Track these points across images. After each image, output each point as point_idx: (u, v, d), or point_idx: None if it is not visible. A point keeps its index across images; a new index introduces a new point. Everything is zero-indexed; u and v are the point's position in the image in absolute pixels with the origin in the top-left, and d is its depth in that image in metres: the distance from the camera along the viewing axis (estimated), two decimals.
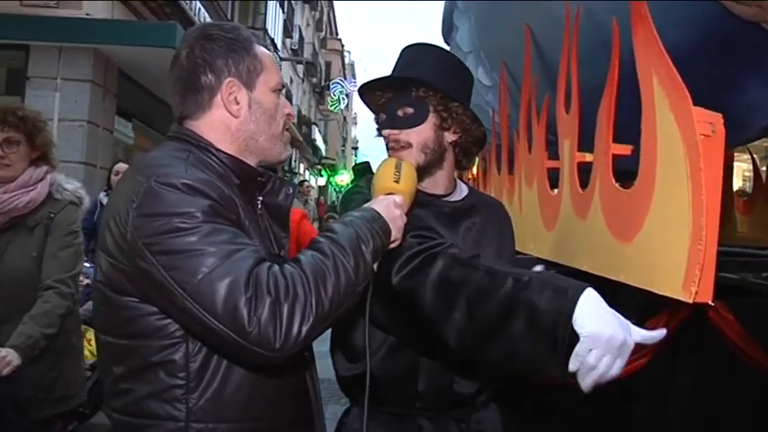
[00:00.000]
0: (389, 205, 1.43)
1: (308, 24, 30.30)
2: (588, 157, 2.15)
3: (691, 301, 1.35)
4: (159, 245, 1.17)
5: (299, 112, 27.97)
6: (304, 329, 1.15)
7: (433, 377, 1.68)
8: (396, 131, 1.74)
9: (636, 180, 1.66)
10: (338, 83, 33.43)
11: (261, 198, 1.47)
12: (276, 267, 1.18)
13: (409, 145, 1.74)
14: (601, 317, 1.29)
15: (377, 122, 1.84)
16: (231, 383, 1.29)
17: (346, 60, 44.71)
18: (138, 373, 1.27)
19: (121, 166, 5.74)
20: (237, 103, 1.39)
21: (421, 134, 1.74)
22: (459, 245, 1.72)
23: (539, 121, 2.65)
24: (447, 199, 1.82)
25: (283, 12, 19.55)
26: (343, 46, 41.98)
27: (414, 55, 1.82)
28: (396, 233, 1.41)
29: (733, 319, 2.70)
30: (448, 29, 4.14)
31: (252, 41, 1.43)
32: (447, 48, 4.61)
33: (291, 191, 1.54)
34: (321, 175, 37.83)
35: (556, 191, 2.41)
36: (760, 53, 1.89)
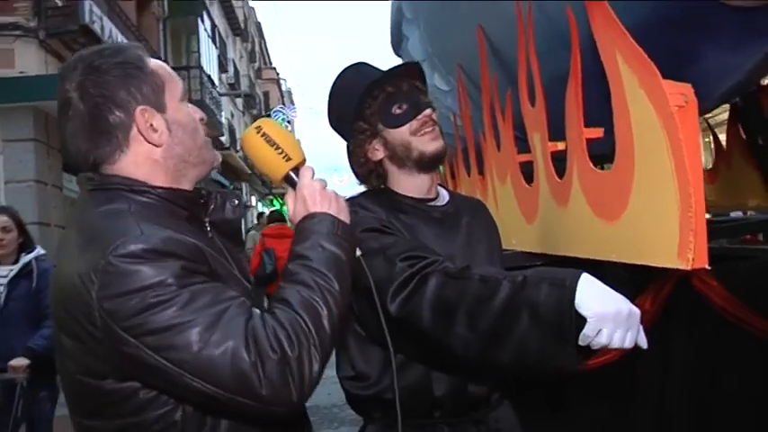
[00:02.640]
0: (324, 194, 1.31)
1: (241, 57, 30.28)
2: (560, 146, 2.20)
3: (689, 268, 1.39)
4: (140, 326, 1.06)
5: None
6: (315, 372, 1.11)
7: (447, 383, 1.69)
8: (432, 112, 1.74)
9: (614, 160, 1.70)
10: (279, 111, 33.37)
11: (207, 219, 1.35)
12: (269, 318, 1.12)
13: (437, 123, 1.76)
14: (602, 295, 1.33)
15: (386, 115, 1.76)
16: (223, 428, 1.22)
17: (283, 88, 44.73)
18: None
19: None
20: (156, 131, 1.25)
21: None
22: (453, 251, 1.74)
23: (504, 119, 2.70)
24: (434, 203, 1.83)
25: (216, 47, 19.45)
26: (278, 74, 42.02)
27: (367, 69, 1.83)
28: (348, 219, 1.33)
29: (717, 285, 2.78)
30: (398, 41, 4.18)
31: (142, 57, 1.27)
32: (399, 59, 4.66)
33: (237, 202, 1.44)
34: (273, 205, 37.69)
35: (532, 184, 2.45)
36: (714, 22, 1.95)
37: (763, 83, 3.04)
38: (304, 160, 1.37)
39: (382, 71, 1.78)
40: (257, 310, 1.14)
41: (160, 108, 1.26)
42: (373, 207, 1.76)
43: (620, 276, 2.30)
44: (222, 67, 20.76)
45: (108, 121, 1.22)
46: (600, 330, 1.31)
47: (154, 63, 1.29)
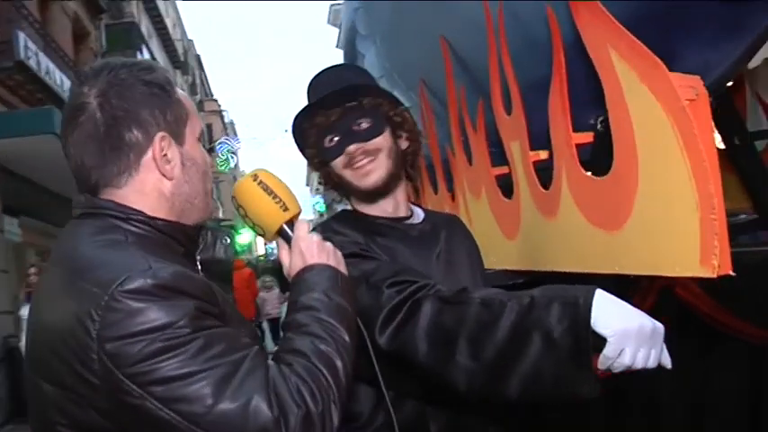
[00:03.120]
0: (322, 246, 1.26)
1: (182, 90, 29.94)
2: (542, 155, 2.07)
3: (715, 276, 1.26)
4: (147, 374, 0.94)
5: None
6: (335, 421, 1.05)
7: (443, 419, 1.53)
8: (362, 144, 1.60)
9: (612, 164, 1.58)
10: (224, 142, 33.09)
11: (198, 257, 1.29)
12: (288, 370, 1.05)
13: (378, 151, 1.61)
14: (622, 312, 1.21)
15: (320, 153, 1.66)
16: None
17: (226, 119, 44.42)
18: None
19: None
20: (169, 162, 1.15)
21: (385, 142, 1.62)
22: (433, 271, 1.61)
23: (476, 131, 2.57)
24: (411, 222, 1.70)
25: None
26: (220, 106, 41.73)
27: (334, 73, 1.70)
28: (345, 270, 1.28)
29: (701, 292, 2.69)
30: (351, 59, 4.05)
31: (170, 82, 1.19)
32: None
33: (228, 240, 1.39)
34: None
35: (511, 197, 2.32)
36: (696, 16, 1.86)
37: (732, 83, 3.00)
38: (300, 212, 1.30)
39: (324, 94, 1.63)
40: (272, 362, 1.07)
41: (179, 140, 1.17)
42: (348, 231, 1.62)
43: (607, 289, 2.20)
44: None
45: (123, 138, 1.11)
46: (622, 350, 1.18)
47: (181, 92, 1.21)
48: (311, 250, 1.24)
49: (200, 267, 1.26)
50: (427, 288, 1.39)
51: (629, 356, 1.18)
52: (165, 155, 1.14)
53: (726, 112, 2.66)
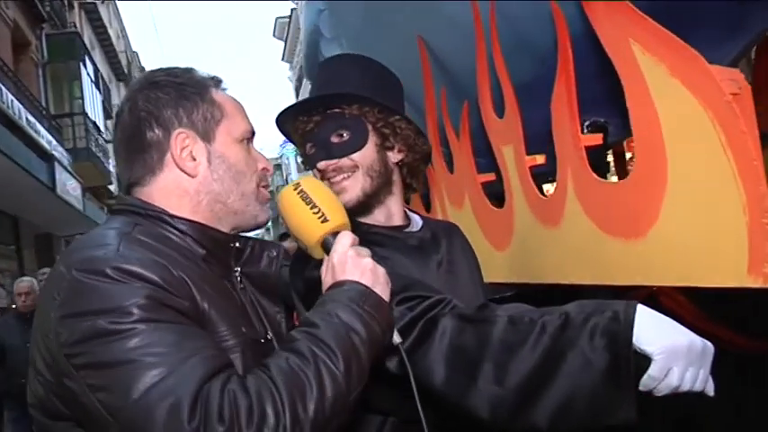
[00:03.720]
0: (357, 262, 1.12)
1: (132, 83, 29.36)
2: (539, 159, 1.95)
3: (766, 285, 1.14)
4: (83, 355, 0.91)
5: None
6: None
7: None
8: (333, 162, 1.46)
9: (632, 167, 1.46)
10: None
11: (238, 269, 1.19)
12: (236, 381, 0.92)
13: (355, 168, 1.46)
14: (668, 328, 1.09)
15: (305, 155, 1.55)
16: None
17: None
18: None
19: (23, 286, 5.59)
20: (194, 159, 1.13)
21: (364, 158, 1.47)
22: (435, 282, 1.47)
23: (459, 137, 2.43)
24: (409, 230, 1.56)
25: (100, 92, 18.60)
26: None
27: (336, 68, 1.56)
28: (386, 296, 1.12)
29: (685, 300, 2.63)
30: (313, 64, 3.89)
31: (207, 85, 1.18)
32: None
33: (276, 253, 1.24)
34: None
35: (502, 206, 2.19)
36: (700, 15, 1.78)
37: None
38: (345, 224, 1.18)
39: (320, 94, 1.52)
40: (229, 373, 0.94)
41: (207, 138, 1.15)
42: None
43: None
44: (107, 114, 19.87)
45: (145, 139, 1.13)
46: (670, 369, 1.06)
47: (222, 96, 1.19)
48: (343, 266, 1.11)
49: (239, 279, 1.19)
50: (443, 304, 1.26)
51: (676, 376, 1.06)
52: (190, 152, 1.13)
53: None
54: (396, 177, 1.55)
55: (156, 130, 1.13)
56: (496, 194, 2.25)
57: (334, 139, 1.47)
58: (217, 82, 1.21)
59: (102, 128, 17.82)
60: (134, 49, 33.84)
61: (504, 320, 1.17)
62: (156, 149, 1.13)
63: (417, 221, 1.62)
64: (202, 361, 0.92)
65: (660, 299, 2.61)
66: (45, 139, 12.35)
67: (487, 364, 1.15)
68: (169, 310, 0.95)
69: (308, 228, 1.16)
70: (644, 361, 1.07)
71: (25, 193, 10.94)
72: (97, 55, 20.98)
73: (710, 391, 1.11)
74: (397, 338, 1.13)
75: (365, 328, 1.03)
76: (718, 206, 1.21)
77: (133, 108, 1.14)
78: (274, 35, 41.85)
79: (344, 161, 1.46)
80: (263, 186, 1.22)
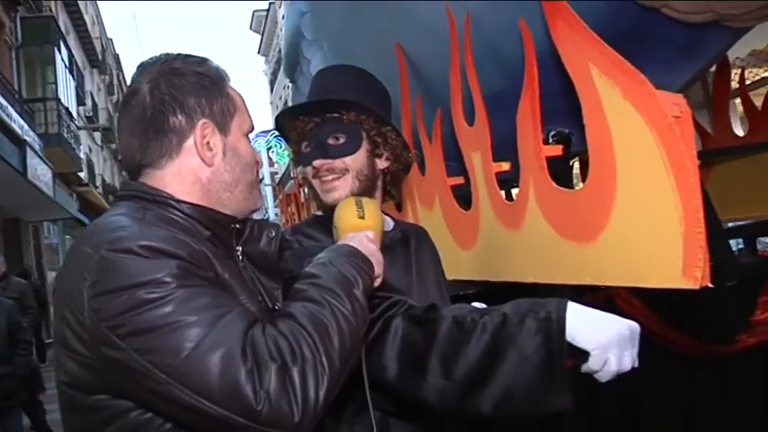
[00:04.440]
0: (362, 240, 1.28)
1: (99, 89, 29.08)
2: (505, 166, 2.09)
3: (698, 287, 1.29)
4: (127, 325, 0.97)
5: (103, 180, 26.68)
6: (321, 393, 0.99)
7: (406, 429, 1.52)
8: (328, 161, 1.59)
9: (587, 177, 1.60)
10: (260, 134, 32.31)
11: (240, 248, 1.28)
12: (271, 328, 1.02)
13: (345, 171, 1.60)
14: (597, 322, 1.23)
15: (296, 152, 1.67)
16: None
17: None
18: None
19: None
20: (211, 149, 1.20)
21: (355, 161, 1.61)
22: (405, 280, 1.61)
23: (432, 142, 2.57)
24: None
25: (74, 78, 18.46)
26: None
27: (335, 77, 1.68)
28: (378, 268, 1.26)
29: (641, 304, 2.78)
30: (293, 65, 4.00)
31: (223, 77, 1.25)
32: (291, 85, 4.46)
33: (274, 233, 1.34)
34: None
35: (469, 209, 2.32)
36: (656, 38, 1.92)
37: None
38: (376, 227, 1.37)
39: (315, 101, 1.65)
40: (263, 323, 1.04)
41: (223, 130, 1.22)
42: (320, 236, 1.61)
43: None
44: (80, 100, 19.73)
45: (167, 122, 1.17)
46: (607, 360, 1.20)
47: (234, 90, 1.27)
48: (352, 239, 1.27)
49: (240, 257, 1.28)
50: (399, 305, 1.39)
51: (614, 363, 1.20)
52: (208, 142, 1.20)
53: None
54: (379, 183, 1.68)
55: (180, 116, 1.18)
56: (464, 197, 2.39)
57: (331, 141, 1.59)
58: (227, 75, 1.29)
59: (74, 114, 17.67)
60: (109, 36, 33.42)
61: (449, 320, 1.31)
62: (177, 135, 1.18)
63: (389, 223, 1.75)
64: (239, 314, 1.02)
65: (617, 302, 2.78)
66: (17, 123, 12.27)
67: (435, 359, 1.29)
68: (197, 278, 1.04)
69: (346, 217, 1.36)
70: (583, 354, 1.21)
71: None
72: (72, 40, 20.80)
73: (636, 363, 1.24)
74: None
75: (359, 275, 1.16)
76: (659, 217, 1.35)
77: (155, 90, 1.18)
78: (251, 28, 41.69)
79: (337, 163, 1.59)
80: (257, 177, 1.33)
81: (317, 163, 1.60)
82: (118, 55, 37.27)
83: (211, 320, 0.98)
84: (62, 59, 16.42)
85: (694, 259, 1.28)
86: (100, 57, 27.80)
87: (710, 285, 1.30)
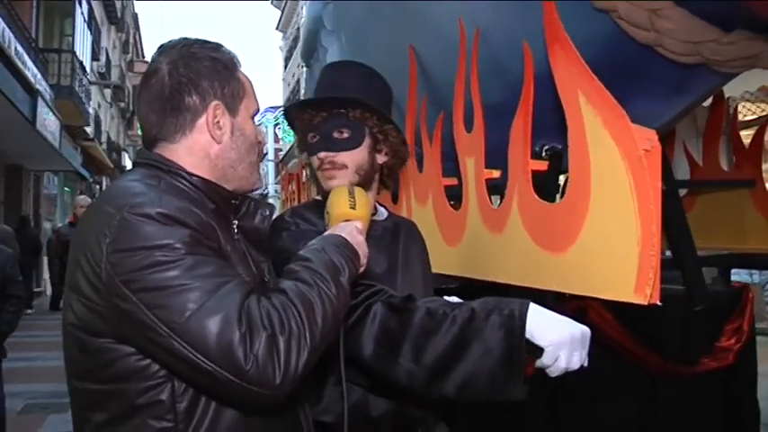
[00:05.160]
0: (352, 231, 1.41)
1: (114, 47, 29.05)
2: (495, 174, 2.24)
3: (646, 303, 1.44)
4: (140, 281, 1.09)
5: (108, 138, 26.73)
6: (301, 363, 1.12)
7: (385, 404, 1.68)
8: (332, 154, 1.73)
9: (564, 194, 1.75)
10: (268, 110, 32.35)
11: (236, 222, 1.41)
12: (265, 300, 1.15)
13: (344, 166, 1.73)
14: (554, 323, 1.37)
15: (302, 141, 1.81)
16: (223, 423, 1.21)
17: None
18: (121, 419, 1.18)
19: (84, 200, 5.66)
20: (220, 129, 1.33)
21: (357, 156, 1.74)
22: (392, 268, 1.75)
23: (431, 142, 2.72)
24: (374, 218, 1.83)
25: (91, 33, 18.52)
26: None
27: (343, 73, 1.82)
28: (363, 258, 1.40)
29: (612, 318, 2.93)
30: (310, 50, 4.13)
31: (235, 63, 1.38)
32: (306, 69, 4.59)
33: (268, 212, 1.48)
34: None
35: (458, 208, 2.47)
36: (649, 73, 2.07)
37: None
38: (364, 217, 1.51)
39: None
40: (258, 294, 1.16)
41: (233, 112, 1.35)
42: (317, 220, 1.74)
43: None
44: (95, 55, 19.77)
45: (183, 101, 1.30)
46: (558, 357, 1.35)
47: (244, 75, 1.39)
48: (342, 229, 1.40)
49: (236, 230, 1.40)
50: (381, 294, 1.54)
51: (563, 361, 1.35)
52: (218, 122, 1.32)
53: None
54: (377, 176, 1.82)
55: (195, 97, 1.30)
56: (456, 197, 2.54)
57: (336, 135, 1.73)
58: (239, 61, 1.41)
59: (87, 68, 17.73)
60: None
61: (423, 311, 1.46)
62: (192, 113, 1.30)
63: (383, 213, 1.90)
64: (239, 284, 1.14)
65: (589, 313, 2.93)
66: (31, 71, 12.35)
67: (407, 345, 1.44)
68: (205, 248, 1.16)
69: (339, 205, 1.50)
70: (538, 350, 1.37)
71: (4, 123, 10.96)
72: None
73: (585, 363, 1.39)
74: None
75: (346, 265, 1.29)
76: (621, 237, 1.50)
77: (174, 71, 1.30)
78: (272, 3, 41.61)
79: (339, 157, 1.73)
80: (259, 158, 1.46)
81: (321, 155, 1.74)
82: (137, 14, 37.26)
83: (213, 287, 1.10)
84: (81, 13, 16.48)
85: (646, 278, 1.43)
86: (119, 14, 27.80)
87: (659, 303, 1.46)
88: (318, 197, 1.85)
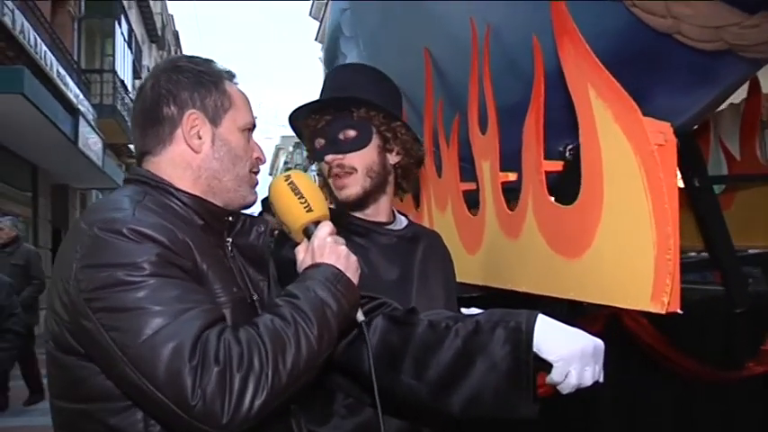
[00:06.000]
0: (334, 248, 1.30)
1: (155, 64, 29.48)
2: (511, 176, 2.14)
3: (664, 312, 1.33)
4: (101, 300, 1.07)
5: None
6: (257, 404, 1.05)
7: (396, 424, 1.58)
8: (339, 156, 1.64)
9: (578, 195, 1.64)
10: None
11: (230, 239, 1.36)
12: (230, 332, 1.09)
13: (354, 170, 1.65)
14: (563, 336, 1.27)
15: (310, 150, 1.74)
16: None
17: None
18: None
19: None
20: (200, 138, 1.29)
21: (366, 157, 1.65)
22: (405, 280, 1.66)
23: (449, 145, 2.62)
24: (390, 227, 1.74)
25: (132, 52, 18.87)
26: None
27: (347, 75, 1.75)
28: (355, 280, 1.31)
29: (647, 323, 2.79)
30: (331, 58, 4.08)
31: (222, 77, 1.35)
32: None
33: (263, 228, 1.42)
34: None
35: (476, 214, 2.37)
36: (670, 62, 1.94)
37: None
38: (326, 215, 1.36)
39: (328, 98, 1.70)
40: (224, 325, 1.11)
41: (215, 122, 1.31)
42: None
43: (558, 311, 2.27)
44: (136, 74, 20.13)
45: (161, 112, 1.28)
46: (568, 373, 1.24)
47: (234, 88, 1.36)
48: (322, 250, 1.29)
49: (230, 248, 1.36)
50: (383, 307, 1.45)
51: (575, 377, 1.24)
52: (197, 131, 1.29)
53: (689, 154, 2.76)
54: (390, 178, 1.72)
55: (172, 108, 1.28)
56: (476, 202, 2.44)
57: (342, 137, 1.65)
58: (231, 75, 1.38)
59: (129, 87, 18.06)
60: (170, 12, 33.98)
61: (424, 324, 1.37)
62: (169, 124, 1.28)
63: (402, 221, 1.79)
64: (202, 312, 1.08)
65: (624, 320, 2.80)
66: (73, 92, 12.61)
67: (408, 360, 1.35)
68: (175, 268, 1.12)
69: (294, 215, 1.34)
70: (547, 365, 1.27)
71: (47, 144, 11.19)
72: (133, 15, 21.22)
73: (600, 378, 1.28)
74: (360, 316, 1.33)
75: (337, 304, 1.21)
76: (636, 240, 1.39)
77: (155, 85, 1.30)
78: (310, 14, 41.96)
79: (347, 159, 1.64)
80: (254, 173, 1.39)
81: (328, 158, 1.65)
82: (177, 32, 37.86)
83: (175, 313, 1.05)
84: (122, 33, 16.80)
85: (662, 284, 1.32)
86: (159, 32, 28.30)
87: (679, 311, 1.34)
88: (332, 206, 1.77)
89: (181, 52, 38.95)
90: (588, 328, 2.74)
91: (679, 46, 1.87)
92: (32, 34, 10.72)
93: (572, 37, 1.64)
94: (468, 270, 2.42)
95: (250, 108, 1.39)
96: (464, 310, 1.64)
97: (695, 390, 3.08)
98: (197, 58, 1.37)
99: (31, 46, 10.64)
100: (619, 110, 1.45)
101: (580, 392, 1.29)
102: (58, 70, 11.98)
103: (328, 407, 1.57)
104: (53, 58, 11.77)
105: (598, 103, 1.53)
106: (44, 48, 11.25)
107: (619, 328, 2.80)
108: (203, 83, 1.31)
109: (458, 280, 2.50)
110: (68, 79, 12.58)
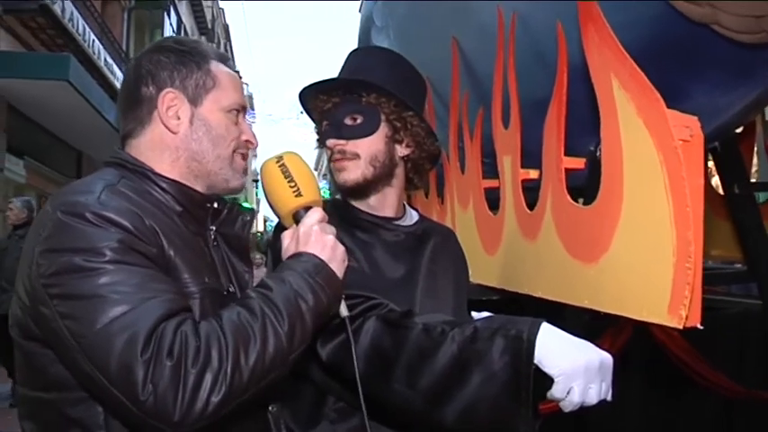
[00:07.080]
0: (320, 237, 1.22)
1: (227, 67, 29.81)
2: (533, 174, 2.01)
3: (681, 327, 1.20)
4: (58, 286, 1.01)
5: None
6: (213, 401, 0.97)
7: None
8: (342, 142, 1.53)
9: (597, 195, 1.51)
10: None
11: (213, 228, 1.30)
12: (189, 325, 1.02)
13: (356, 156, 1.53)
14: (567, 348, 1.16)
15: (318, 131, 1.63)
16: None
17: (244, 92, 44.36)
18: (54, 430, 1.10)
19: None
20: (178, 119, 1.23)
21: (371, 146, 1.53)
22: (410, 278, 1.55)
23: (472, 140, 2.50)
24: (398, 223, 1.62)
25: None
26: (241, 78, 41.58)
27: (364, 58, 1.63)
28: (340, 272, 1.22)
29: (678, 335, 2.64)
30: None
31: (207, 56, 1.28)
32: None
33: (249, 218, 1.36)
34: None
35: (497, 213, 2.25)
36: (707, 56, 1.80)
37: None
38: (318, 201, 1.28)
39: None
40: (185, 316, 1.03)
41: (195, 102, 1.25)
42: (330, 220, 1.55)
43: (580, 320, 2.13)
44: None
45: (140, 93, 1.23)
46: (571, 389, 1.13)
47: (221, 69, 1.29)
48: (307, 238, 1.22)
49: (213, 237, 1.29)
50: (379, 308, 1.35)
51: (578, 394, 1.13)
52: (176, 111, 1.23)
53: (729, 158, 2.59)
54: (399, 171, 1.59)
55: (151, 88, 1.23)
56: (497, 201, 2.32)
57: (348, 122, 1.53)
58: (221, 57, 1.32)
59: None
60: (221, 5, 34.33)
61: (419, 328, 1.26)
62: (147, 104, 1.23)
63: (413, 216, 1.66)
64: (162, 303, 1.02)
65: (653, 330, 2.64)
66: (119, 81, 12.75)
67: (400, 367, 1.26)
68: (137, 255, 1.05)
69: (283, 199, 1.27)
70: (549, 379, 1.15)
71: (92, 130, 11.33)
72: (183, 6, 21.44)
73: (608, 397, 1.17)
74: (344, 311, 1.23)
75: (314, 297, 1.13)
76: (656, 245, 1.26)
77: (137, 67, 1.26)
78: (360, 11, 42.06)
79: (349, 145, 1.53)
80: (242, 156, 1.31)
81: (330, 142, 1.55)
82: (227, 25, 38.24)
83: (134, 302, 1.00)
84: (170, 24, 16.98)
85: (681, 296, 1.19)
86: (209, 25, 28.57)
87: (699, 327, 1.21)
88: (337, 197, 1.66)
89: (231, 45, 39.35)
90: (615, 337, 2.62)
91: (718, 38, 1.72)
92: (81, 23, 10.84)
93: (596, 23, 1.51)
94: (487, 271, 2.30)
95: (239, 89, 1.32)
96: (475, 315, 1.53)
97: (731, 409, 2.92)
98: (186, 39, 1.32)
99: (79, 34, 10.76)
100: (642, 102, 1.32)
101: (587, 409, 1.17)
102: (105, 59, 12.11)
103: (317, 410, 1.47)
104: (101, 46, 11.89)
105: (621, 95, 1.40)
106: (92, 36, 11.38)
107: (647, 340, 2.67)
108: (185, 62, 1.25)
109: (476, 281, 2.39)
110: (116, 68, 12.71)
